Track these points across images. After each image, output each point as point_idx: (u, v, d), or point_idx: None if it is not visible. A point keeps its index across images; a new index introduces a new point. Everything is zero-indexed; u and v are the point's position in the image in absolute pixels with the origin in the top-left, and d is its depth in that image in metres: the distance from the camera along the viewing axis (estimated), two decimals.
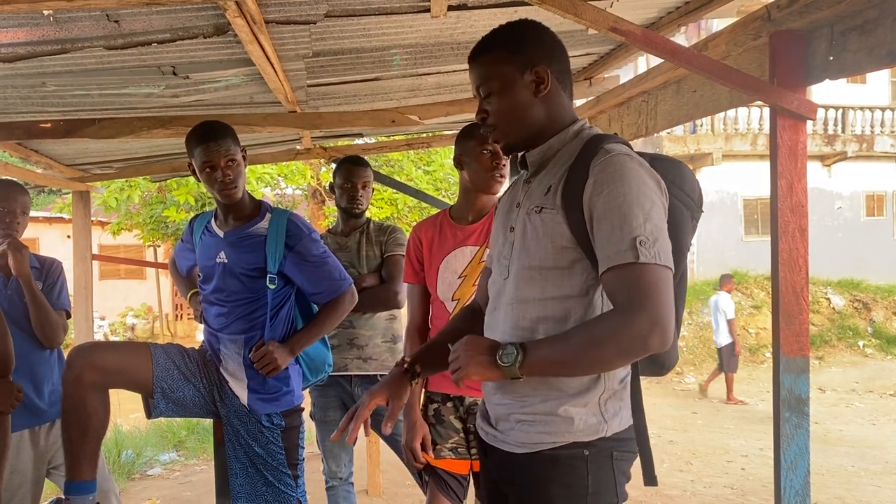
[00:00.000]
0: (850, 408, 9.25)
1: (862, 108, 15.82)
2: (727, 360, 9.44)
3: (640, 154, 1.45)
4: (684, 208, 1.51)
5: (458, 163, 2.32)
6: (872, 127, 15.89)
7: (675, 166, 1.53)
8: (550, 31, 1.50)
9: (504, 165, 2.26)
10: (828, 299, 13.23)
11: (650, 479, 1.44)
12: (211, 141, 2.28)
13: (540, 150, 1.49)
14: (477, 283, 2.08)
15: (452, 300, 2.31)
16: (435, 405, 2.38)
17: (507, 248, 1.52)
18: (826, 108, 15.11)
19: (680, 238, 1.48)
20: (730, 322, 9.38)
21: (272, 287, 2.36)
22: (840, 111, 15.59)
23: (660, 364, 1.51)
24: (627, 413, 1.45)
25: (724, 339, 9.44)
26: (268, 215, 2.42)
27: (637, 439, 1.45)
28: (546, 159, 1.49)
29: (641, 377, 1.50)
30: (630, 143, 1.50)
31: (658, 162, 1.48)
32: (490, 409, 1.56)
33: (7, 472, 2.55)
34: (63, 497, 2.22)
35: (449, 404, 2.36)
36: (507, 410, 1.49)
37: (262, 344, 2.36)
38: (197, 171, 2.34)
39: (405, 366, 1.63)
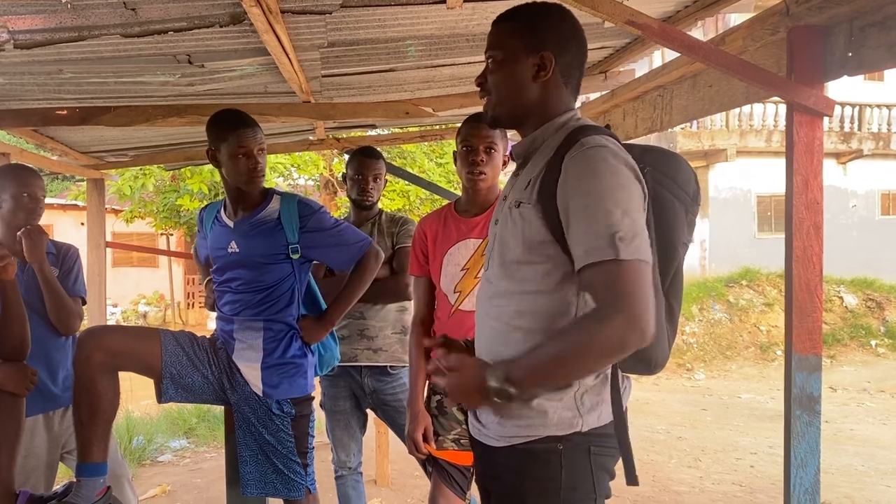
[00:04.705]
0: (860, 407, 9.20)
1: (879, 106, 15.67)
2: None
3: (630, 146, 1.41)
4: (677, 202, 1.46)
5: (454, 157, 2.39)
6: (889, 125, 15.75)
7: (669, 158, 1.48)
8: (575, 23, 1.47)
9: (481, 161, 2.27)
10: (840, 298, 13.13)
11: (631, 478, 1.41)
12: (248, 128, 2.36)
13: (525, 142, 1.48)
14: (479, 275, 2.09)
15: (455, 292, 2.33)
16: (438, 396, 2.40)
17: (491, 241, 1.51)
18: (843, 105, 14.98)
19: (672, 234, 1.44)
20: None
21: (295, 257, 2.41)
22: (857, 108, 15.46)
23: (646, 362, 1.44)
24: (608, 409, 1.41)
25: None
26: (276, 197, 2.46)
27: (616, 436, 1.41)
28: (531, 152, 1.47)
29: (636, 376, 1.47)
30: (641, 136, 1.47)
31: (649, 154, 1.45)
32: None
33: (21, 455, 2.58)
34: (75, 480, 2.25)
35: None
36: None
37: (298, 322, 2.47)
38: (227, 157, 2.36)
39: None
